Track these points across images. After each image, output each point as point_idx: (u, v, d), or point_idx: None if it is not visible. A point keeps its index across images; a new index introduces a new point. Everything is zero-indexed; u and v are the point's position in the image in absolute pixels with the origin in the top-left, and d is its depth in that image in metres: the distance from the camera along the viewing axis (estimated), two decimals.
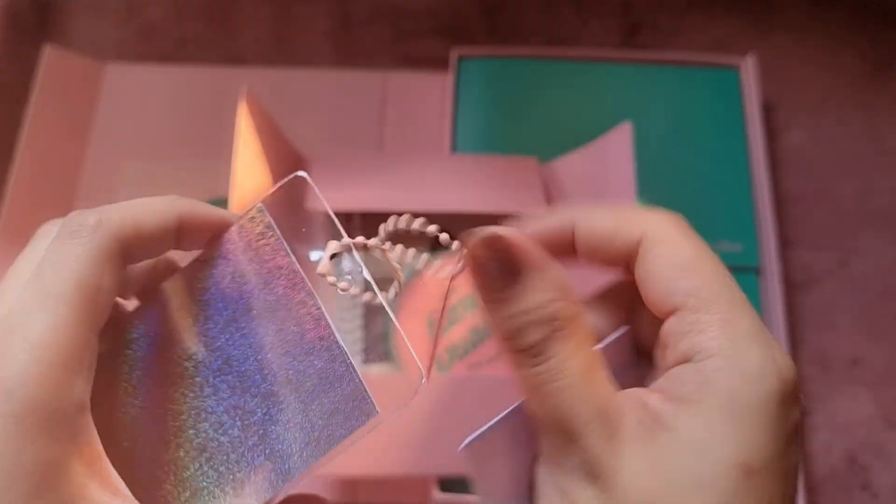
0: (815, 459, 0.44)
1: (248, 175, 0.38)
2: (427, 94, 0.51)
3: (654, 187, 0.47)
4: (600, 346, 0.20)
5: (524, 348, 0.18)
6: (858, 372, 0.46)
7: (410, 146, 0.50)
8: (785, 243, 0.49)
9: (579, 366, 0.17)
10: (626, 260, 0.19)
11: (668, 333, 0.18)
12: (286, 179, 0.24)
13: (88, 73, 0.51)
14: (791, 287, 0.48)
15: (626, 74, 0.50)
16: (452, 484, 0.40)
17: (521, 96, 0.50)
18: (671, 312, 0.18)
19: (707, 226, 0.47)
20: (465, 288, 0.45)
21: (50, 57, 0.48)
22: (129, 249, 0.19)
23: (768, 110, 0.52)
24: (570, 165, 0.45)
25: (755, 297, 0.46)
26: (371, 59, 0.54)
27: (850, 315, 0.47)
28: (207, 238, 0.22)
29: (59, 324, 0.17)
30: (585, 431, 0.16)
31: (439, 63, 0.53)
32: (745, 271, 0.46)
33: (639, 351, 0.21)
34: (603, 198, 0.42)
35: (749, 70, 0.49)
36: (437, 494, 0.39)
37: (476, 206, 0.43)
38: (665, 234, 0.18)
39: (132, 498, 0.18)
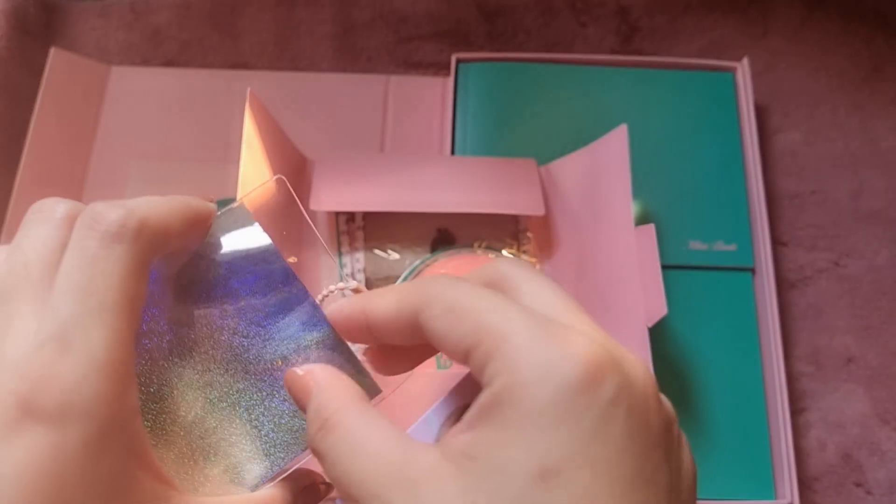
0: (810, 456, 0.44)
1: (253, 177, 0.38)
2: (427, 97, 0.52)
3: (650, 188, 0.48)
4: (440, 400, 0.21)
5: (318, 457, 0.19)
6: (852, 370, 0.46)
7: (411, 148, 0.51)
8: (779, 243, 0.49)
9: (348, 447, 0.18)
10: (413, 332, 0.20)
11: (476, 375, 0.18)
12: (265, 182, 0.24)
13: (94, 76, 0.52)
14: (785, 286, 0.48)
15: (623, 78, 0.51)
16: None
17: (519, 99, 0.50)
18: (467, 357, 0.18)
19: (702, 226, 0.47)
20: None
21: (56, 59, 0.49)
22: (157, 253, 0.20)
23: (762, 112, 0.53)
24: (568, 167, 0.46)
25: (750, 297, 0.46)
26: (372, 62, 0.54)
27: (843, 314, 0.48)
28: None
29: (117, 339, 0.17)
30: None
31: (439, 67, 0.54)
32: (739, 271, 0.47)
33: None
34: (600, 198, 0.43)
35: (744, 73, 0.50)
36: None
37: (476, 207, 0.44)
38: (434, 296, 0.19)
39: (176, 484, 0.19)
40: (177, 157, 0.50)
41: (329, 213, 0.46)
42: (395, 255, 0.45)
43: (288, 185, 0.24)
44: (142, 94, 0.52)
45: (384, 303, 0.20)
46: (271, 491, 0.21)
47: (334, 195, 0.43)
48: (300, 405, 0.21)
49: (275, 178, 0.24)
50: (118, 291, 0.18)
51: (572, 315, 0.18)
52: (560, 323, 0.18)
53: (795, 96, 0.53)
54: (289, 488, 0.22)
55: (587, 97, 0.50)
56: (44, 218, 0.20)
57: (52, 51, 0.49)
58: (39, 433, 0.16)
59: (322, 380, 0.20)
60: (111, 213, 0.18)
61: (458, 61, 0.51)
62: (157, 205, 0.20)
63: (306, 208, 0.44)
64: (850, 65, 0.54)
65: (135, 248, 0.18)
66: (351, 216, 0.45)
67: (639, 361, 0.18)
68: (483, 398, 0.17)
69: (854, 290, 0.48)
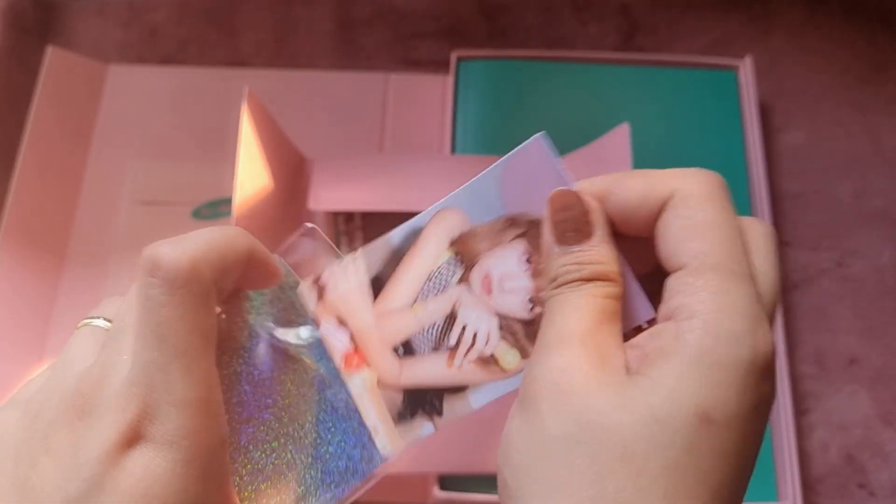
0: (813, 458, 0.44)
1: (251, 175, 0.38)
2: (427, 96, 0.52)
3: None
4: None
5: (558, 286, 0.20)
6: (855, 371, 0.46)
7: (411, 147, 0.50)
8: (782, 243, 0.49)
9: (588, 314, 0.19)
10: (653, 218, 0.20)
11: (666, 289, 0.18)
12: (298, 232, 0.24)
13: (91, 75, 0.52)
14: (788, 287, 0.48)
15: (625, 76, 0.51)
16: (452, 482, 0.40)
17: (520, 97, 0.50)
18: (677, 270, 0.18)
19: None
20: None
21: (53, 58, 0.49)
22: (219, 286, 0.21)
23: (765, 111, 0.52)
24: (569, 166, 0.46)
25: None
26: (372, 60, 0.54)
27: (847, 314, 0.47)
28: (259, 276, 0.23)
29: (195, 378, 0.19)
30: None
31: (439, 65, 0.54)
32: None
33: None
34: None
35: (747, 71, 0.50)
36: (438, 492, 0.40)
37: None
38: (692, 193, 0.19)
39: None
40: (175, 156, 0.50)
41: (328, 213, 0.45)
42: None
43: (321, 232, 0.24)
44: (139, 92, 0.52)
45: (633, 183, 0.20)
46: None
47: (333, 195, 0.43)
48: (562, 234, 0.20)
49: (305, 226, 0.24)
50: (188, 334, 0.19)
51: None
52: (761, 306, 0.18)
53: (798, 95, 0.53)
54: None
55: (589, 95, 0.50)
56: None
57: (49, 49, 0.49)
58: (139, 460, 0.18)
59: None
60: (166, 256, 0.19)
61: (459, 59, 0.50)
62: (212, 240, 0.20)
63: (305, 207, 0.43)
64: (853, 63, 0.54)
65: (195, 289, 0.19)
66: (350, 216, 0.45)
67: None
68: (668, 330, 0.18)
69: (857, 291, 0.48)
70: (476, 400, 0.22)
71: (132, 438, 0.18)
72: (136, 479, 0.18)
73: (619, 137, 0.41)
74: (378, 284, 0.22)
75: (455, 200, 0.22)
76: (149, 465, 0.18)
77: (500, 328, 0.22)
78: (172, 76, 0.53)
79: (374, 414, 0.22)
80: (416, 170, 0.45)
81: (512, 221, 0.22)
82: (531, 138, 0.22)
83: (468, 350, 0.22)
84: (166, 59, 0.54)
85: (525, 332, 0.21)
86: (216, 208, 0.48)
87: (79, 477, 0.18)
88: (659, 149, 0.49)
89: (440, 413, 0.22)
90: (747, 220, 0.20)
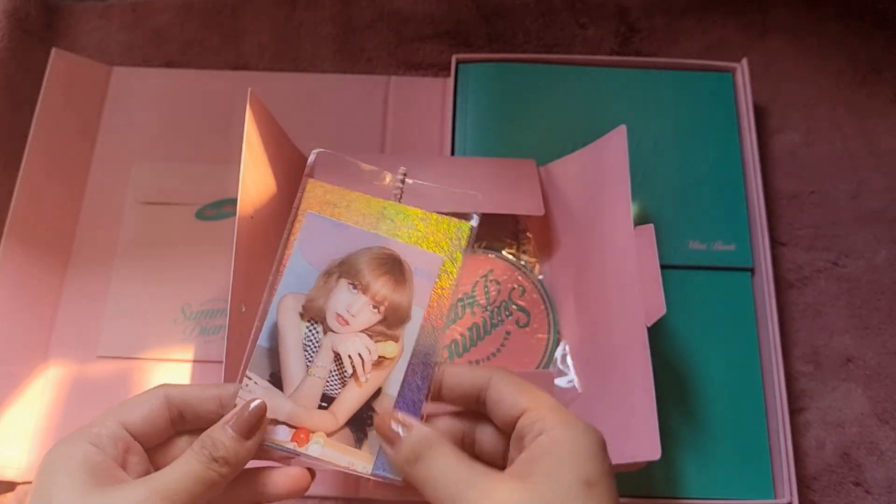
0: (808, 455, 0.44)
1: (254, 177, 0.39)
2: (428, 98, 0.52)
3: (650, 189, 0.48)
4: None
5: (404, 464, 0.27)
6: (851, 369, 0.46)
7: (411, 148, 0.51)
8: (778, 243, 0.50)
9: (445, 458, 0.27)
10: (475, 395, 0.29)
11: (522, 427, 0.27)
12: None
13: (95, 77, 0.52)
14: (784, 286, 0.48)
15: (623, 78, 0.51)
16: None
17: (519, 100, 0.51)
18: (519, 416, 0.27)
19: (701, 227, 0.48)
20: (465, 287, 0.45)
21: (57, 60, 0.49)
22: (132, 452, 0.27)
23: (762, 112, 0.53)
24: (568, 167, 0.46)
25: (749, 296, 0.46)
26: (373, 63, 0.55)
27: (842, 314, 0.48)
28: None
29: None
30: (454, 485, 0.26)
31: (440, 67, 0.54)
32: (738, 271, 0.47)
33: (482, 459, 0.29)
34: (599, 198, 0.43)
35: (743, 74, 0.50)
36: None
37: (476, 208, 0.44)
38: (503, 374, 0.28)
39: None
40: (178, 158, 0.51)
41: None
42: None
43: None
44: (143, 94, 0.52)
45: (460, 369, 0.29)
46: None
47: None
48: (389, 438, 0.28)
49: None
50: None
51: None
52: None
53: (794, 97, 0.53)
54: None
55: (587, 98, 0.51)
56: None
57: (54, 52, 0.49)
58: None
59: (414, 423, 0.28)
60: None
61: (459, 62, 0.51)
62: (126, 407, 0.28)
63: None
64: (848, 65, 0.54)
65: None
66: None
67: None
68: (542, 440, 0.26)
69: (853, 290, 0.48)
70: (391, 388, 0.29)
71: None
72: None
73: (617, 139, 0.41)
74: (277, 379, 0.29)
75: (284, 289, 0.30)
76: None
77: (370, 336, 0.30)
78: (176, 78, 0.53)
79: (342, 456, 0.29)
80: (416, 171, 0.45)
81: (327, 272, 0.30)
82: (307, 215, 0.31)
83: (362, 366, 0.29)
84: (170, 62, 0.54)
85: (386, 325, 0.30)
86: (220, 209, 0.49)
87: None
88: (656, 150, 0.49)
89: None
90: None
